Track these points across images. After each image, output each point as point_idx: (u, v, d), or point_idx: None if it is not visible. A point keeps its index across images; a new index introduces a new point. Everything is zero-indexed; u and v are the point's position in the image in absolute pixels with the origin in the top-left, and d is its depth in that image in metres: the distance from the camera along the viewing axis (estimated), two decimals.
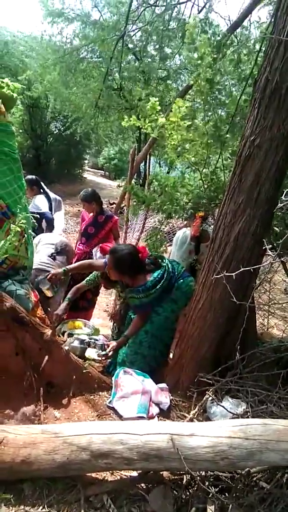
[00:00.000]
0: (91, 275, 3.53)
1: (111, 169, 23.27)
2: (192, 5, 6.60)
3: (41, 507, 1.66)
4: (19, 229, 2.10)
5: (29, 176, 4.55)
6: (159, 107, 2.76)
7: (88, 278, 3.53)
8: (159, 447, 1.65)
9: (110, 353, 2.87)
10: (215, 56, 2.79)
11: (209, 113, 2.75)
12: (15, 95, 2.52)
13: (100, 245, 4.19)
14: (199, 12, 6.58)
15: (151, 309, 2.86)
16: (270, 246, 2.50)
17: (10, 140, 2.44)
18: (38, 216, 4.31)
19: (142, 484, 1.82)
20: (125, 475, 1.90)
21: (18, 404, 2.17)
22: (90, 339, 3.42)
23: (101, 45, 7.67)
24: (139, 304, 2.84)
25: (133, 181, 6.72)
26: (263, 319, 3.77)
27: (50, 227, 4.59)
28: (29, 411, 2.17)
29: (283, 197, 2.15)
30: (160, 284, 2.76)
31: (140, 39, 8.98)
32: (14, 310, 2.20)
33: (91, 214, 4.46)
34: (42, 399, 2.25)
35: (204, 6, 6.59)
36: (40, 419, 2.16)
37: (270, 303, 3.36)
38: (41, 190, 4.81)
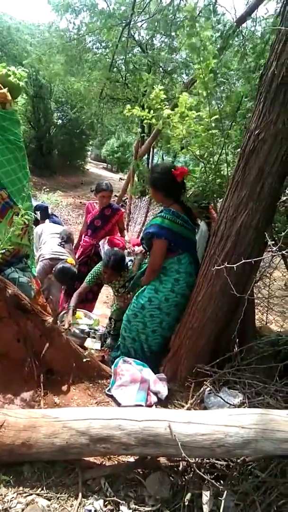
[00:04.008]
0: (90, 274, 3.56)
1: (113, 162, 23.21)
2: None
3: (39, 489, 1.70)
4: (22, 222, 2.12)
5: None
6: (164, 96, 2.73)
7: (89, 279, 3.55)
8: (157, 433, 1.68)
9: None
10: (220, 46, 2.79)
11: (214, 106, 2.74)
12: (21, 83, 2.52)
13: (108, 237, 4.24)
14: (206, 5, 6.55)
15: (160, 238, 2.74)
16: (273, 242, 2.52)
17: (16, 129, 2.45)
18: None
19: (139, 470, 1.86)
20: (123, 461, 1.93)
21: (19, 389, 2.21)
22: (90, 329, 3.46)
23: (107, 34, 7.63)
24: (160, 222, 2.76)
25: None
26: (262, 314, 3.80)
27: (45, 215, 4.68)
28: (29, 397, 2.20)
29: (287, 190, 2.16)
30: (185, 222, 2.77)
31: (146, 31, 8.94)
32: (16, 297, 2.23)
33: (97, 207, 4.48)
34: (42, 385, 2.28)
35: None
36: (40, 404, 2.20)
37: (269, 298, 3.38)
38: None
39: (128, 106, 2.98)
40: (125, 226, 6.45)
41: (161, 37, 9.01)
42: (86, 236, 4.53)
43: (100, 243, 4.43)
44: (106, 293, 6.27)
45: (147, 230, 2.86)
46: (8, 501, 1.61)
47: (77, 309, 3.77)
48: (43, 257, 3.69)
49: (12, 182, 2.45)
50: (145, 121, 2.92)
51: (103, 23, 7.78)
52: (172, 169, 2.76)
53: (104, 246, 4.36)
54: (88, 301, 4.31)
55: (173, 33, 7.83)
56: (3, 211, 2.42)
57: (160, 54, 9.41)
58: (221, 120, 2.70)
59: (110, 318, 3.68)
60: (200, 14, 6.13)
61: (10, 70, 2.49)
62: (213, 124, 2.60)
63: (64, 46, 8.90)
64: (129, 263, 3.46)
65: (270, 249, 2.71)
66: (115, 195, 12.99)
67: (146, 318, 2.83)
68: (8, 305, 2.23)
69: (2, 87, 2.38)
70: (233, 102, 2.69)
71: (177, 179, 2.75)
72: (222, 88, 2.71)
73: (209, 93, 2.58)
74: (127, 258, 3.52)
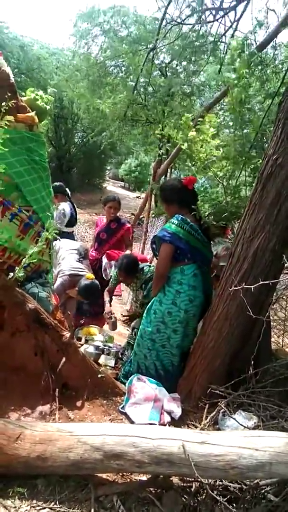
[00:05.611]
0: (112, 277, 3.78)
1: (131, 181, 23.51)
2: (219, 25, 6.76)
3: (52, 503, 1.71)
4: (50, 237, 2.20)
5: (55, 183, 4.54)
6: (191, 123, 2.88)
7: (111, 280, 3.79)
8: (170, 452, 1.69)
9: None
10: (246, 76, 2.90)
11: (237, 131, 2.84)
12: (48, 107, 2.65)
13: (107, 251, 4.27)
14: (226, 31, 6.72)
15: (167, 244, 2.75)
16: None
17: (41, 150, 2.56)
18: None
19: (152, 488, 1.86)
20: (135, 479, 1.93)
21: (35, 402, 2.25)
22: (104, 346, 3.49)
23: (131, 59, 7.89)
24: (167, 227, 2.79)
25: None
26: (278, 337, 3.76)
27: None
28: (44, 410, 2.24)
29: None
30: (195, 231, 2.79)
31: (166, 56, 9.20)
32: (36, 312, 2.29)
33: (104, 220, 4.55)
34: (58, 399, 2.32)
35: (231, 26, 6.73)
36: (55, 419, 2.22)
37: (285, 320, 3.35)
38: (66, 197, 4.96)
39: (158, 128, 3.16)
40: (142, 244, 6.46)
41: (181, 60, 9.25)
42: (93, 250, 4.57)
43: (103, 258, 4.44)
44: (121, 310, 6.30)
45: (156, 234, 2.93)
46: None
47: (91, 326, 3.83)
48: (63, 273, 3.77)
49: (36, 200, 2.54)
50: (164, 145, 3.11)
51: (128, 48, 8.06)
52: (182, 181, 2.89)
53: (103, 260, 4.39)
54: (95, 315, 4.32)
55: (193, 58, 8.04)
56: (26, 227, 2.51)
57: (179, 77, 9.64)
58: (244, 144, 2.78)
59: (133, 328, 3.68)
60: (220, 41, 6.32)
61: (38, 95, 2.63)
62: (235, 149, 2.69)
63: (88, 69, 9.24)
64: (145, 267, 3.51)
65: (287, 272, 2.73)
66: (132, 214, 13.13)
67: (154, 335, 2.85)
68: (27, 319, 2.30)
69: (30, 110, 2.50)
70: (255, 126, 2.77)
71: (189, 188, 2.87)
72: (245, 111, 2.80)
73: (237, 120, 2.70)
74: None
